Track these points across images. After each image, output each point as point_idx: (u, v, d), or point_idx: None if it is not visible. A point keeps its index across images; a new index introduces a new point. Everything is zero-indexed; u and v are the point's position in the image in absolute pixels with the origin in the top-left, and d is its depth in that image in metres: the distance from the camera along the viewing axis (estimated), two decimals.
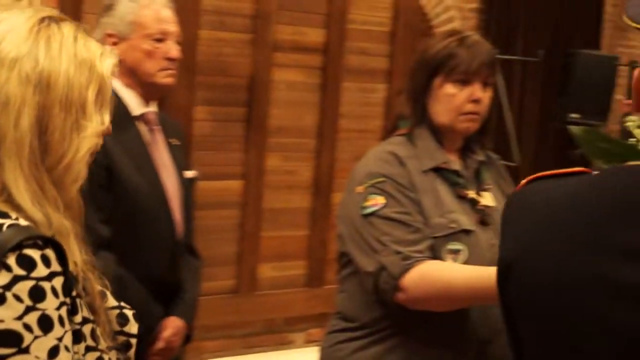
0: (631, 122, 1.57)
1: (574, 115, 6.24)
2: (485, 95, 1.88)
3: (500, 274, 1.11)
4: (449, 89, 1.86)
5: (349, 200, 1.87)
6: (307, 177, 3.73)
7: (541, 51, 5.26)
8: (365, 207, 1.80)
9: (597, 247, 0.97)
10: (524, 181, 1.17)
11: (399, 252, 1.73)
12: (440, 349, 1.82)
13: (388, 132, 2.04)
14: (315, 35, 3.66)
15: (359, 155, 2.06)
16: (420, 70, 1.91)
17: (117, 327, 1.17)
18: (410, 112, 1.93)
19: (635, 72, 1.08)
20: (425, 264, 1.73)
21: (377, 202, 1.80)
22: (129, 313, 1.22)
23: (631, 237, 0.94)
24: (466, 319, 1.81)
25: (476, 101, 1.85)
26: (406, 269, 1.71)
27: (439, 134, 1.90)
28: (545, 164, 6.96)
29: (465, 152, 1.96)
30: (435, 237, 1.79)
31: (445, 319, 1.78)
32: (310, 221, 3.73)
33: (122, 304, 1.22)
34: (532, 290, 1.04)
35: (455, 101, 1.86)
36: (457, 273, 1.73)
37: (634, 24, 1.10)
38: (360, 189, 1.83)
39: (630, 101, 4.40)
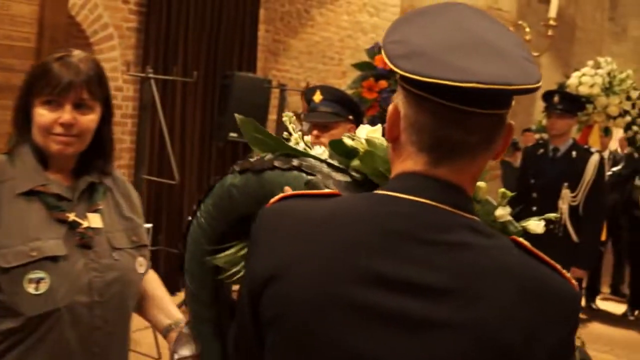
0: (286, 117, 1.68)
1: (232, 134, 6.55)
2: (80, 117, 1.80)
3: (256, 287, 1.12)
4: (39, 109, 1.79)
5: None
6: None
7: (196, 72, 5.46)
8: None
9: (351, 272, 1.04)
10: (276, 198, 1.21)
11: None
12: None
13: None
14: None
15: None
16: (22, 88, 1.84)
17: None
18: (13, 129, 1.86)
19: (390, 107, 1.11)
20: None
21: None
22: None
23: (384, 265, 1.03)
24: None
25: (66, 124, 1.78)
26: None
27: (44, 154, 1.83)
28: (208, 181, 7.17)
29: (79, 172, 1.90)
30: (14, 267, 1.73)
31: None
32: None
33: None
34: (285, 306, 1.08)
35: (44, 123, 1.79)
36: None
37: (424, 79, 1.03)
38: None
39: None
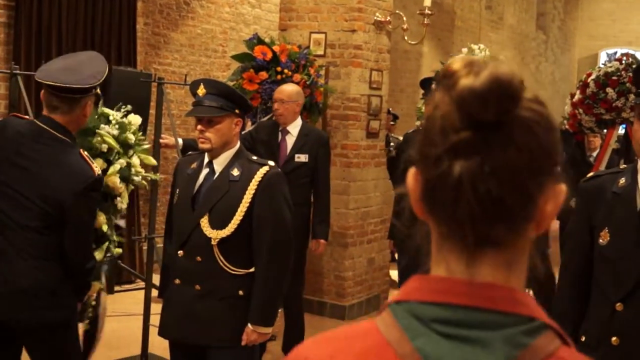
0: None
1: None
2: None
3: None
4: None
5: None
6: None
7: None
8: None
9: (11, 150, 3.07)
10: (10, 114, 3.46)
11: None
12: None
13: None
14: None
15: None
16: None
17: None
18: None
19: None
20: None
21: None
22: None
23: (26, 150, 3.04)
24: None
25: None
26: None
27: None
28: None
29: None
30: None
31: None
32: None
33: None
34: None
35: None
36: None
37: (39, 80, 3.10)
38: None
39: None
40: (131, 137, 3.62)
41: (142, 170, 3.71)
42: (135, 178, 3.56)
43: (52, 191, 3.01)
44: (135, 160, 3.59)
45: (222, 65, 8.37)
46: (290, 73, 5.59)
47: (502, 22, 14.48)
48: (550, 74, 16.99)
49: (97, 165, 3.21)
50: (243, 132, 5.08)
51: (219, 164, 3.22)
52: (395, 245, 5.41)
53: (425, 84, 5.16)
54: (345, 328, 0.94)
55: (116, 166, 3.46)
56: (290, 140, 5.04)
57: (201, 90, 3.19)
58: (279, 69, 5.56)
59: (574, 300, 2.45)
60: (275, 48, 5.63)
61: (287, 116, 5.01)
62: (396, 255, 7.14)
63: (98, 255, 3.32)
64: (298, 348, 0.95)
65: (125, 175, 3.50)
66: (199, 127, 3.18)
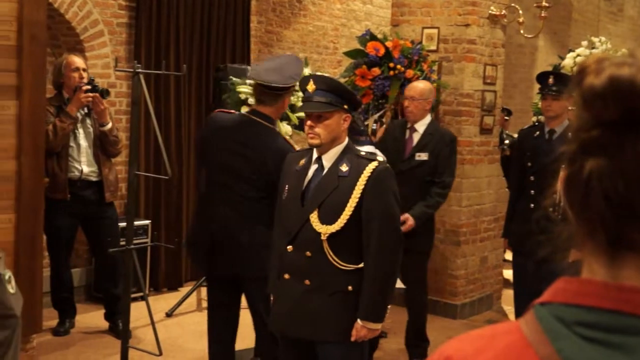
0: None
1: None
2: None
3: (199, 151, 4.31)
4: None
5: None
6: None
7: (185, 65, 5.39)
8: None
9: (226, 139, 3.89)
10: (215, 111, 4.16)
11: None
12: None
13: None
14: None
15: None
16: None
17: None
18: None
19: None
20: None
21: None
22: None
23: (241, 137, 3.81)
24: None
25: None
26: None
27: None
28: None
29: None
30: None
31: None
32: None
33: None
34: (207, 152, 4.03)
35: None
36: None
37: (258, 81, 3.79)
38: None
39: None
40: None
41: (294, 118, 4.83)
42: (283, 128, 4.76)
43: (265, 167, 3.75)
44: None
45: (333, 62, 8.41)
46: (402, 69, 5.54)
47: (621, 14, 13.86)
48: None
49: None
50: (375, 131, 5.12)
51: (328, 160, 3.23)
52: (509, 244, 5.26)
53: (542, 78, 4.99)
54: (488, 327, 0.95)
55: None
56: (416, 138, 5.00)
57: (311, 86, 3.20)
58: (391, 64, 5.52)
59: None
60: (388, 44, 5.60)
61: (416, 114, 4.95)
62: (506, 255, 6.96)
63: None
64: (441, 347, 0.97)
65: None
66: (309, 122, 3.20)
